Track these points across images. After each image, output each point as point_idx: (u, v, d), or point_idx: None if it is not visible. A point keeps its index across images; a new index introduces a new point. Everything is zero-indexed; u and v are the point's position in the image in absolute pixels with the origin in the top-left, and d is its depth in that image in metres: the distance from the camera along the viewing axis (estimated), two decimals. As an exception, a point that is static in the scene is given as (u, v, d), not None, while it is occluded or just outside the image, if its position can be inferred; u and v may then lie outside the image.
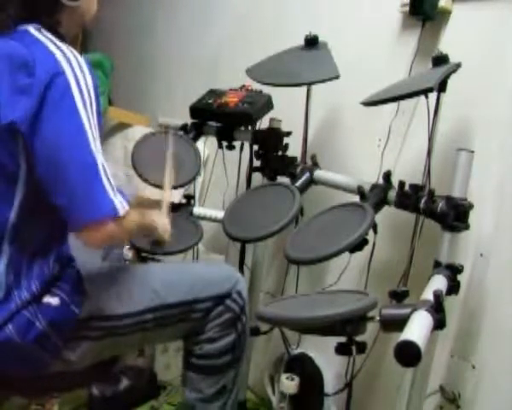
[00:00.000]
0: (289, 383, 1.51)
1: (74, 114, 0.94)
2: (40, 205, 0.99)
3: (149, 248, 1.37)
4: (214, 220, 1.60)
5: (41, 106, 0.92)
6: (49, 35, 0.99)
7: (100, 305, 1.08)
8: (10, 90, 0.93)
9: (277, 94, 1.63)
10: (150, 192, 1.42)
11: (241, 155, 1.77)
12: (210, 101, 1.71)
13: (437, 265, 1.15)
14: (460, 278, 1.14)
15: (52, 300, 1.01)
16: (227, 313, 1.19)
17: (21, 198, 0.97)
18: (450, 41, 1.38)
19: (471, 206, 1.15)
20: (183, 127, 1.74)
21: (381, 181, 1.30)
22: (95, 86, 0.99)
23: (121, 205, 0.99)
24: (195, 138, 1.72)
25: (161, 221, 1.26)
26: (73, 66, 0.95)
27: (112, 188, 0.98)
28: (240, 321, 1.21)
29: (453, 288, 1.12)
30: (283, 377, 1.53)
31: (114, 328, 1.09)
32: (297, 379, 1.52)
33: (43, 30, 0.99)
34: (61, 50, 0.96)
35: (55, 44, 0.97)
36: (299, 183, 1.45)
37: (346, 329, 0.94)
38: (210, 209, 1.63)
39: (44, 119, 0.92)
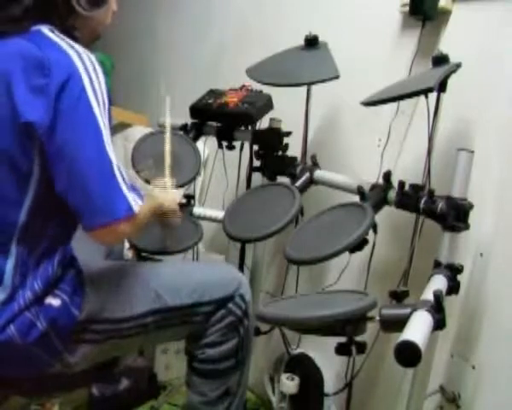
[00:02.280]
0: (289, 383, 1.51)
1: (90, 114, 0.94)
2: (50, 206, 0.99)
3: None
4: (214, 220, 1.60)
5: (57, 107, 0.92)
6: (63, 36, 0.99)
7: (101, 307, 1.07)
8: (27, 90, 0.93)
9: (277, 94, 1.63)
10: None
11: (241, 155, 1.77)
12: (210, 101, 1.71)
13: (437, 265, 1.15)
14: (460, 278, 1.14)
15: (53, 301, 1.01)
16: (229, 316, 1.18)
17: (32, 199, 0.97)
18: (450, 41, 1.37)
19: (471, 206, 1.15)
20: (183, 127, 1.74)
21: (381, 181, 1.30)
22: (107, 85, 0.99)
23: (135, 202, 0.99)
24: (195, 138, 1.72)
25: (168, 202, 1.25)
26: (87, 66, 0.96)
27: (126, 186, 0.99)
28: (242, 325, 1.20)
29: (453, 288, 1.12)
30: (283, 377, 1.53)
31: (115, 331, 1.09)
32: (297, 379, 1.52)
33: (56, 31, 0.99)
34: (75, 51, 0.96)
35: (69, 45, 0.97)
36: (299, 183, 1.45)
37: (346, 329, 0.94)
38: (210, 209, 1.63)
39: (60, 119, 0.93)
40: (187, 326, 1.18)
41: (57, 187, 0.96)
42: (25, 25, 0.99)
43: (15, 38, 0.98)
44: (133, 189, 1.02)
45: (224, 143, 1.71)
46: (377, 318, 0.95)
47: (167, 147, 1.39)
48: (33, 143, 0.94)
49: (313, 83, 1.48)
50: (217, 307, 1.18)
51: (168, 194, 1.29)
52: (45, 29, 0.99)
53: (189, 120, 1.75)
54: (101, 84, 0.97)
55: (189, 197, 1.63)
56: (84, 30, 1.06)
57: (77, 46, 0.98)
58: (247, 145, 1.72)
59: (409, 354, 0.81)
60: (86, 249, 1.18)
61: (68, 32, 1.01)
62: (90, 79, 0.95)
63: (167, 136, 1.40)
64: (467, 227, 1.15)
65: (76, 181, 0.95)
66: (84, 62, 0.95)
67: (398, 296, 1.16)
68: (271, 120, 1.64)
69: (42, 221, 1.00)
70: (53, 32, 0.99)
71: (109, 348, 1.11)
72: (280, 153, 1.59)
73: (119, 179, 0.97)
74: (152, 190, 1.25)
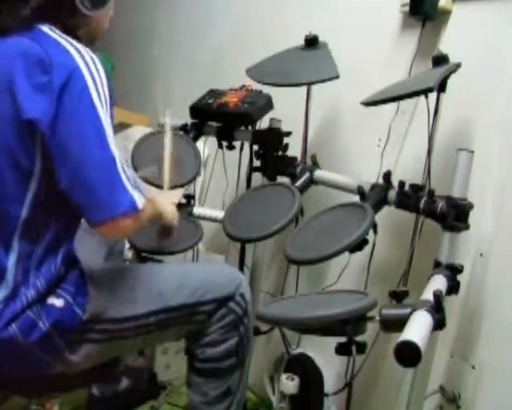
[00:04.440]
0: (289, 383, 1.51)
1: (92, 111, 0.94)
2: (52, 202, 0.99)
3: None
4: (214, 220, 1.60)
5: (59, 104, 0.92)
6: (63, 34, 0.99)
7: (103, 307, 1.07)
8: (29, 87, 0.93)
9: (277, 94, 1.63)
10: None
11: (241, 155, 1.77)
12: (210, 101, 1.71)
13: (437, 265, 1.15)
14: (460, 278, 1.15)
15: (56, 301, 1.01)
16: (230, 315, 1.19)
17: (34, 195, 0.97)
18: (450, 41, 1.37)
19: (471, 206, 1.15)
20: (183, 127, 1.74)
21: (381, 181, 1.30)
22: (108, 83, 0.99)
23: (139, 199, 0.99)
24: (195, 138, 1.72)
25: (169, 207, 1.27)
26: (88, 63, 0.96)
27: (130, 183, 0.99)
28: (242, 324, 1.20)
29: (453, 288, 1.12)
30: (283, 377, 1.53)
31: (118, 331, 1.09)
32: (297, 379, 1.52)
33: (56, 30, 0.99)
34: (76, 48, 0.96)
35: (69, 43, 0.97)
36: (299, 183, 1.45)
37: (346, 329, 0.94)
38: (210, 209, 1.63)
39: (63, 117, 0.93)
40: (188, 326, 1.18)
41: (61, 184, 0.96)
42: (31, 24, 0.99)
43: (16, 37, 0.98)
44: (136, 188, 1.02)
45: (224, 143, 1.71)
46: (377, 318, 0.95)
47: (167, 150, 1.40)
48: (35, 139, 0.94)
49: (313, 83, 1.48)
50: (218, 306, 1.18)
51: (166, 196, 1.30)
52: (45, 28, 0.99)
53: (189, 120, 1.75)
54: (103, 83, 0.97)
55: (189, 197, 1.63)
56: (84, 30, 1.06)
57: (78, 44, 0.98)
58: (247, 145, 1.72)
59: (409, 354, 0.81)
60: (87, 250, 1.19)
61: (69, 32, 1.01)
62: (92, 76, 0.95)
63: (167, 140, 1.41)
64: (467, 227, 1.15)
65: (80, 177, 0.95)
66: (86, 60, 0.96)
67: (398, 296, 1.16)
68: (271, 120, 1.64)
69: (44, 217, 1.00)
70: (53, 30, 0.99)
71: (111, 348, 1.11)
72: (280, 153, 1.59)
73: (123, 176, 0.98)
74: (152, 194, 1.25)
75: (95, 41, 1.11)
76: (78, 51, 0.96)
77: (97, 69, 0.97)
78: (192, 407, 1.23)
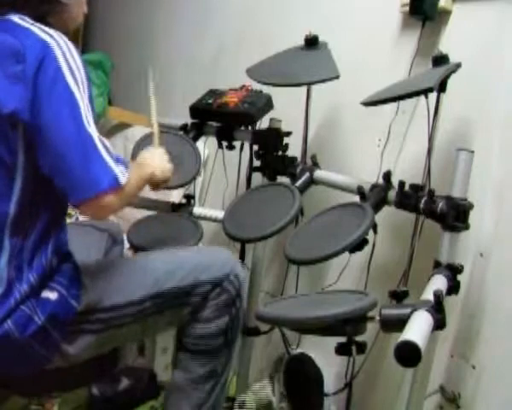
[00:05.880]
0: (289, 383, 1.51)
1: (67, 91, 0.95)
2: (39, 195, 1.00)
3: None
4: (214, 220, 1.60)
5: (35, 90, 0.93)
6: (35, 22, 0.99)
7: (99, 297, 1.08)
8: (4, 79, 0.93)
9: (277, 94, 1.63)
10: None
11: (241, 155, 1.77)
12: (210, 101, 1.71)
13: (437, 265, 1.15)
14: (460, 278, 1.14)
15: (50, 294, 1.01)
16: (223, 294, 1.19)
17: (20, 190, 0.97)
18: (450, 41, 1.37)
19: (471, 206, 1.15)
20: (183, 127, 1.74)
21: (381, 181, 1.30)
22: (84, 67, 0.99)
23: (122, 174, 0.99)
24: (195, 138, 1.72)
25: (157, 161, 1.22)
26: (61, 45, 0.96)
27: (111, 158, 0.98)
28: (234, 305, 1.21)
29: (453, 288, 1.12)
30: (283, 377, 1.53)
31: (114, 318, 1.09)
32: (297, 379, 1.52)
33: (27, 18, 0.99)
34: (48, 33, 0.97)
35: (41, 29, 0.97)
36: (299, 183, 1.45)
37: (346, 329, 0.94)
38: (210, 209, 1.63)
39: (40, 102, 0.93)
40: (185, 308, 1.19)
41: (43, 169, 0.96)
42: (2, 12, 0.99)
43: None
44: (120, 161, 1.01)
45: (224, 143, 1.71)
46: (377, 318, 0.95)
47: (153, 102, 1.37)
48: (17, 133, 0.94)
49: (313, 83, 1.48)
50: (213, 287, 1.18)
51: (157, 156, 1.24)
52: (15, 17, 0.99)
53: (189, 120, 1.75)
54: (78, 63, 0.98)
55: (189, 197, 1.63)
56: (56, 19, 1.06)
57: (50, 30, 0.98)
58: (247, 145, 1.72)
59: (409, 354, 0.81)
60: (85, 250, 1.19)
61: (41, 20, 1.01)
62: (65, 57, 0.96)
63: (151, 88, 1.39)
64: (467, 227, 1.15)
65: (58, 159, 0.95)
66: (58, 42, 0.96)
67: (398, 296, 1.16)
68: (271, 120, 1.64)
69: (32, 211, 1.00)
70: (23, 19, 0.99)
71: (109, 337, 1.11)
72: (280, 153, 1.59)
73: (102, 152, 0.97)
74: (142, 157, 1.22)
75: (66, 34, 1.09)
76: (51, 36, 0.96)
77: (70, 50, 0.97)
78: (175, 385, 1.23)
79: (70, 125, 0.95)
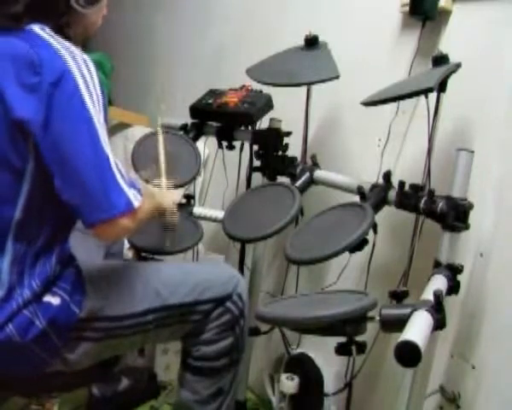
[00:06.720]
0: (289, 383, 1.52)
1: (84, 111, 0.94)
2: (46, 203, 0.99)
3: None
4: (214, 220, 1.60)
5: (50, 106, 0.92)
6: (54, 34, 0.99)
7: (101, 306, 1.07)
8: (18, 88, 0.93)
9: (277, 94, 1.63)
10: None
11: (241, 155, 1.77)
12: (210, 101, 1.71)
13: (437, 265, 1.15)
14: (460, 278, 1.14)
15: (53, 299, 1.01)
16: (226, 314, 1.19)
17: (27, 195, 0.97)
18: (450, 41, 1.37)
19: (471, 206, 1.15)
20: (183, 127, 1.74)
21: (381, 181, 1.30)
22: (100, 83, 0.99)
23: (135, 198, 0.99)
24: (195, 138, 1.72)
25: (168, 203, 1.27)
26: (80, 64, 0.95)
27: (125, 181, 0.98)
28: (238, 324, 1.21)
29: (453, 288, 1.12)
30: (283, 377, 1.54)
31: (115, 329, 1.09)
32: (297, 379, 1.52)
33: (47, 29, 0.99)
34: (67, 49, 0.96)
35: (60, 43, 0.97)
36: (299, 183, 1.45)
37: (346, 329, 0.94)
38: (210, 209, 1.63)
39: (55, 118, 0.93)
40: (186, 325, 1.19)
41: (53, 186, 0.96)
42: (23, 22, 0.98)
43: (6, 37, 0.97)
44: (133, 186, 1.01)
45: (224, 143, 1.71)
46: (377, 318, 0.95)
47: (161, 148, 1.40)
48: (27, 140, 0.94)
49: (313, 83, 1.48)
50: (215, 306, 1.18)
51: (166, 194, 1.30)
52: (36, 27, 0.98)
53: (189, 120, 1.75)
54: (95, 83, 0.97)
55: (189, 197, 1.63)
56: (76, 28, 1.05)
57: (69, 45, 0.98)
58: (247, 145, 1.72)
59: (409, 354, 0.81)
60: (85, 250, 1.19)
61: (61, 31, 1.01)
62: (84, 77, 0.95)
63: (160, 137, 1.41)
64: (467, 227, 1.15)
65: (73, 178, 0.95)
66: (77, 61, 0.95)
67: (398, 296, 1.16)
68: (271, 120, 1.64)
69: (38, 218, 1.00)
70: (44, 30, 0.98)
71: (109, 346, 1.11)
72: (280, 153, 1.59)
73: (117, 175, 0.97)
74: (150, 190, 1.25)
75: (87, 40, 1.10)
76: (70, 52, 0.96)
77: (89, 70, 0.97)
78: (183, 405, 1.23)
79: (86, 145, 0.94)
